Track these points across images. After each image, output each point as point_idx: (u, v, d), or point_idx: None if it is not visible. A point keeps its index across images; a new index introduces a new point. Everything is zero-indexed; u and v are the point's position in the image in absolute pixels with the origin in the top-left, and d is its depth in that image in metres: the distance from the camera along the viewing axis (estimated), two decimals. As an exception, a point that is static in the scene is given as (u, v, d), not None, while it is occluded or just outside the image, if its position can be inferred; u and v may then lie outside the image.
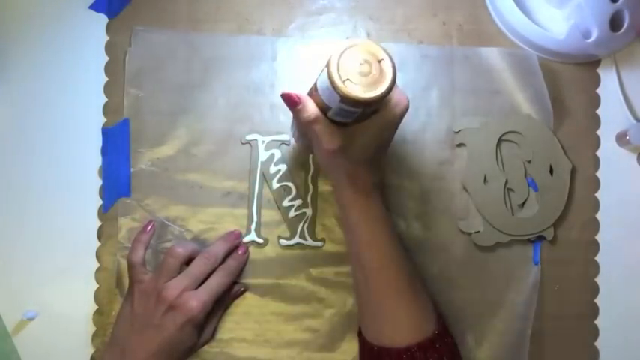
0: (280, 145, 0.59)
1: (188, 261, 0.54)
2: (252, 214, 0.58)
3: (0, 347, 0.57)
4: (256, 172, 0.58)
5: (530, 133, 0.58)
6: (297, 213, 0.58)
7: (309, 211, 0.58)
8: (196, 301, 0.51)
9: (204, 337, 0.55)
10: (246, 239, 0.58)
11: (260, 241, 0.58)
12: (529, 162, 0.58)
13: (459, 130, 0.59)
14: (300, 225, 0.58)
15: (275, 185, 0.58)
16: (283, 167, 0.58)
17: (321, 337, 0.57)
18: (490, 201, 0.58)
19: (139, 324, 0.52)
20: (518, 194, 0.58)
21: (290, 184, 0.58)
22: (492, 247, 0.58)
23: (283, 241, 0.58)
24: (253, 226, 0.58)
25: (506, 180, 0.58)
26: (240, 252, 0.57)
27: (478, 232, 0.58)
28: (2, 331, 0.57)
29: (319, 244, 0.58)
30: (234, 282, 0.57)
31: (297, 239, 0.58)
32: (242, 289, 0.57)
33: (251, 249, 0.58)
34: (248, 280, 0.58)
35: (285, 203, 0.58)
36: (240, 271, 0.57)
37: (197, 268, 0.54)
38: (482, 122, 0.59)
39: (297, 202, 0.58)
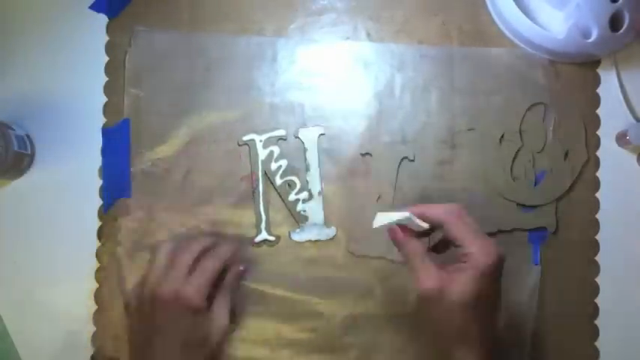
0: (278, 140, 0.59)
1: None
2: (259, 212, 0.58)
3: (0, 347, 0.57)
4: (258, 171, 0.58)
5: (531, 132, 0.59)
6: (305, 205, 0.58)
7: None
8: (191, 289, 0.50)
9: (219, 322, 0.52)
10: (258, 239, 0.58)
11: (272, 239, 0.58)
12: (529, 162, 0.59)
13: (459, 130, 0.59)
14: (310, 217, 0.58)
15: (279, 181, 0.58)
16: (284, 162, 0.58)
17: (320, 337, 0.58)
18: (492, 199, 0.58)
19: (142, 337, 0.51)
20: (522, 190, 0.59)
21: (294, 178, 0.58)
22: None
23: (295, 237, 0.58)
24: (263, 225, 0.58)
25: (509, 177, 0.58)
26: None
27: (481, 218, 0.58)
28: (2, 331, 0.57)
29: (331, 232, 0.58)
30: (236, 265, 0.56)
31: (308, 232, 0.58)
32: (241, 268, 0.56)
33: (263, 248, 0.58)
34: (251, 281, 0.58)
35: (292, 197, 0.58)
36: (232, 253, 0.55)
37: (183, 258, 0.52)
38: (483, 122, 0.59)
39: (303, 195, 0.58)
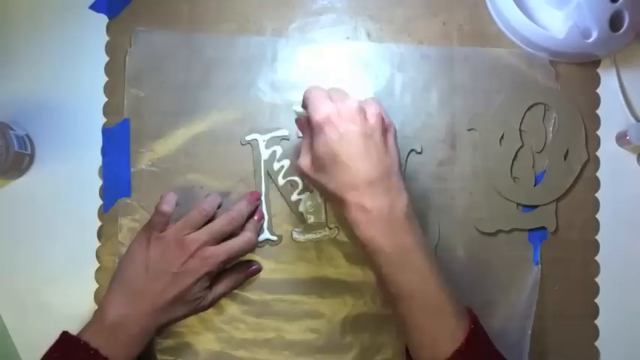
0: (281, 140, 0.59)
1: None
2: (262, 212, 0.58)
3: (0, 347, 0.57)
4: (260, 171, 0.58)
5: (531, 132, 0.59)
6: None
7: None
8: (215, 257, 0.52)
9: (205, 301, 0.54)
10: (261, 238, 0.58)
11: (274, 238, 0.58)
12: (529, 162, 0.59)
13: (460, 130, 0.59)
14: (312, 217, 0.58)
15: (281, 181, 0.58)
16: (287, 162, 0.58)
17: (321, 337, 0.58)
18: (492, 199, 0.58)
19: (154, 270, 0.52)
20: (522, 190, 0.59)
21: (296, 178, 0.58)
22: (493, 243, 0.58)
23: (296, 236, 0.58)
24: (265, 225, 0.58)
25: (509, 177, 0.58)
26: (256, 218, 0.57)
27: (481, 218, 0.58)
28: (2, 331, 0.57)
29: (332, 233, 0.58)
30: (250, 260, 0.58)
31: (309, 232, 0.58)
32: (255, 266, 0.57)
33: (265, 247, 0.58)
34: (252, 280, 0.58)
35: (294, 197, 0.58)
36: (256, 238, 0.57)
37: (220, 227, 0.54)
38: (483, 122, 0.59)
39: (305, 195, 0.58)
